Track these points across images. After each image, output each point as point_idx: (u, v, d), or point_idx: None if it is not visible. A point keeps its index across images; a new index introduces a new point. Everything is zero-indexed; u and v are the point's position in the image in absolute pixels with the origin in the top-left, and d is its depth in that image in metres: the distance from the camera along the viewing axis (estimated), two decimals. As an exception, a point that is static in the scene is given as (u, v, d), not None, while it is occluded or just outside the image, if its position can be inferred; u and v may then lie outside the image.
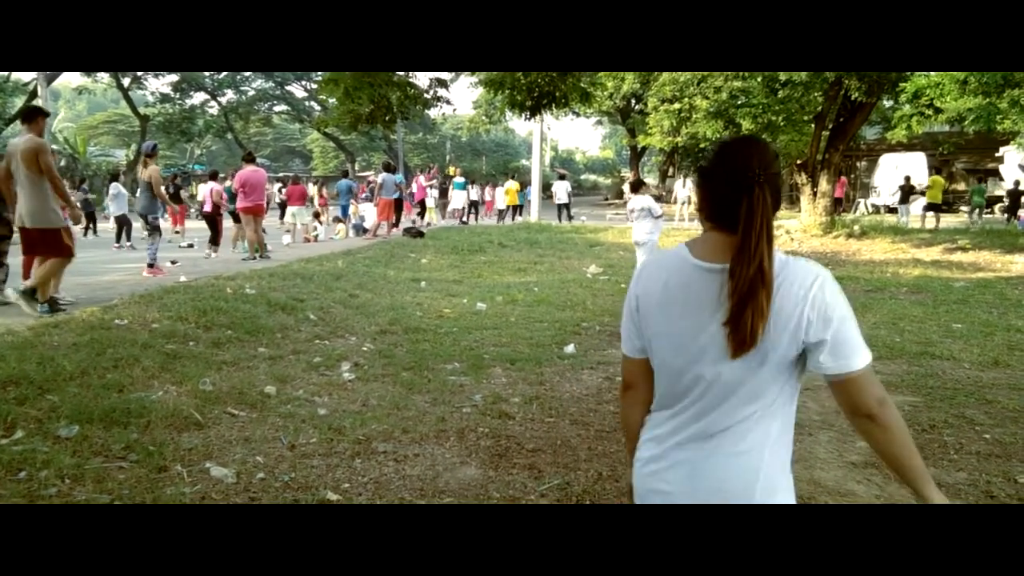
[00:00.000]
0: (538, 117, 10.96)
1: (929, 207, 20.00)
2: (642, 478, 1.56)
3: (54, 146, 28.02)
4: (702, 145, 19.57)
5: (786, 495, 1.43)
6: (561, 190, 24.21)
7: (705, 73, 16.24)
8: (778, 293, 1.32)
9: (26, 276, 8.09)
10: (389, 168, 16.84)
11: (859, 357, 1.33)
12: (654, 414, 1.56)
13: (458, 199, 23.58)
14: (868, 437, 1.39)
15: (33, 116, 6.40)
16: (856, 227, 17.55)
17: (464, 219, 23.02)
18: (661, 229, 9.67)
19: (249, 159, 12.11)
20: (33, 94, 33.44)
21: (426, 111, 11.65)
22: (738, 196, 1.35)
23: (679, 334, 1.44)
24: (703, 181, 1.46)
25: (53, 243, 6.24)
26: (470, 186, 25.92)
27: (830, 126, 17.70)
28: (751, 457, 1.40)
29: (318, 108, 40.45)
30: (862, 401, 1.35)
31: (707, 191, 1.45)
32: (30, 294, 6.16)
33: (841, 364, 1.33)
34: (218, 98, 41.84)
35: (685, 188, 25.72)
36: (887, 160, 28.12)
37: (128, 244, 14.24)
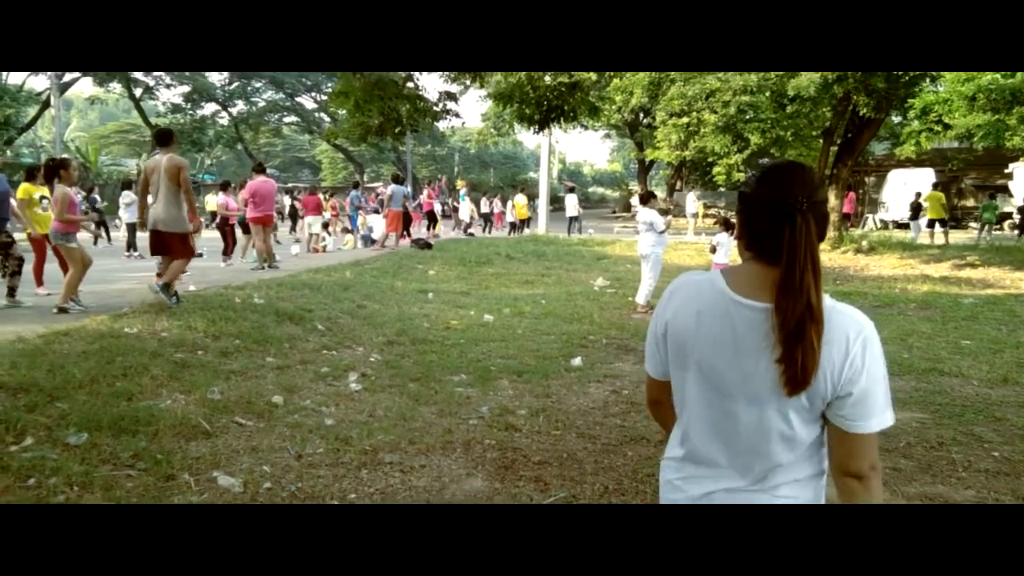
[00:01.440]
0: (547, 130, 11.00)
1: (932, 223, 19.95)
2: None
3: (65, 154, 28.31)
4: (710, 159, 19.58)
5: None
6: (571, 203, 24.31)
7: (713, 87, 16.27)
8: (823, 338, 1.27)
9: (39, 283, 8.20)
10: (398, 180, 16.93)
11: (876, 420, 1.29)
12: (685, 452, 1.49)
13: (463, 211, 23.71)
14: (847, 496, 1.34)
15: (169, 139, 7.33)
16: (864, 242, 17.51)
17: (470, 231, 23.10)
18: (666, 243, 9.67)
19: (259, 170, 12.21)
20: (46, 104, 33.83)
21: (435, 124, 11.71)
22: (780, 226, 1.29)
23: (715, 368, 1.38)
24: (743, 208, 1.40)
25: (182, 245, 7.23)
26: (482, 198, 26.07)
27: (838, 141, 17.70)
28: (788, 492, 1.38)
29: (328, 120, 40.71)
30: (856, 462, 1.31)
31: (747, 219, 1.38)
32: (166, 288, 7.05)
33: (858, 424, 1.29)
34: (228, 109, 42.17)
35: (694, 202, 25.77)
36: (896, 176, 28.08)
37: (136, 253, 14.33)
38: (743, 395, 1.35)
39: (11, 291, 7.45)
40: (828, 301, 1.30)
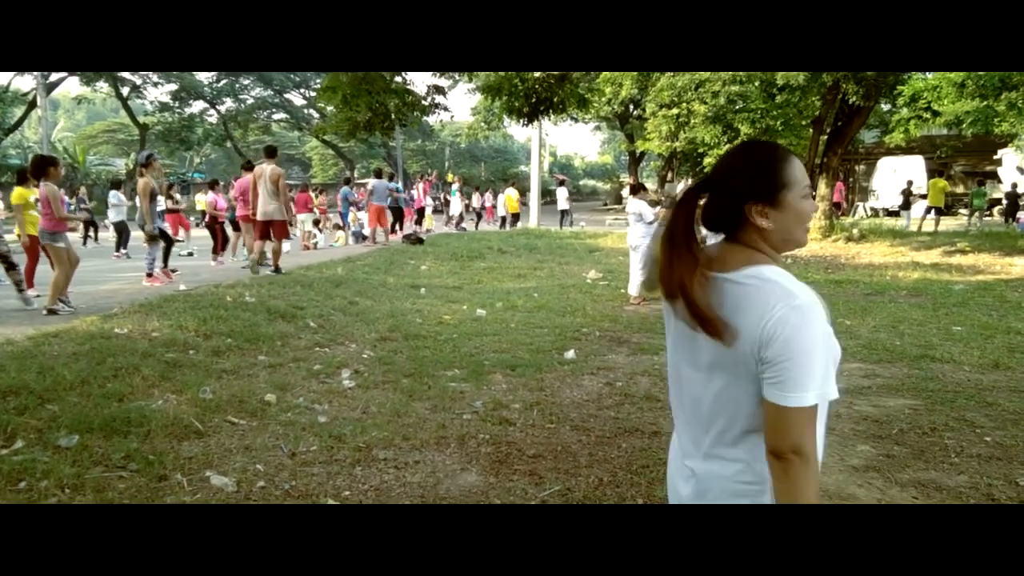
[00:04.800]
0: (536, 123, 10.97)
1: (929, 209, 20.04)
2: (668, 476, 1.63)
3: (53, 154, 28.12)
4: (700, 150, 19.59)
5: None
6: (561, 196, 24.32)
7: (703, 78, 16.28)
8: (744, 304, 1.33)
9: (30, 285, 8.19)
10: (380, 174, 16.91)
11: (792, 395, 1.27)
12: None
13: (454, 205, 23.71)
14: (772, 477, 1.33)
15: (274, 152, 10.54)
16: (855, 231, 17.55)
17: (462, 225, 23.08)
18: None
19: (248, 168, 12.13)
20: (32, 104, 33.57)
21: (424, 118, 11.71)
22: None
23: (679, 338, 1.49)
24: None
25: (281, 229, 10.37)
26: (474, 193, 26.07)
27: (828, 130, 17.73)
28: (743, 475, 1.41)
29: (317, 116, 40.53)
30: (774, 437, 1.29)
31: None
32: (277, 270, 10.15)
33: (773, 393, 1.29)
34: (217, 106, 41.93)
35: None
36: (885, 164, 28.15)
37: (124, 252, 14.27)
38: (693, 363, 1.45)
39: (18, 286, 7.49)
40: (768, 271, 1.35)
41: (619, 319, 8.17)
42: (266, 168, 10.13)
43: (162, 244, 9.69)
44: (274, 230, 10.20)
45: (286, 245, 15.23)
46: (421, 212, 21.39)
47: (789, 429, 1.27)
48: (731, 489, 1.41)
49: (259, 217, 10.19)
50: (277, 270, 10.04)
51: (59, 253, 7.23)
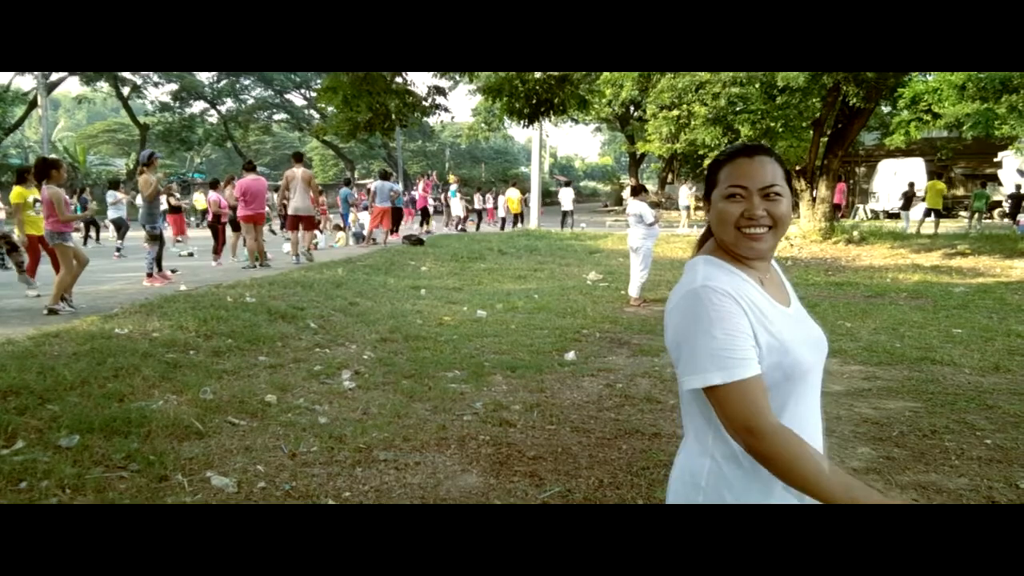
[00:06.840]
0: (536, 124, 10.99)
1: (928, 212, 20.06)
2: None
3: (53, 155, 28.13)
4: (701, 152, 19.58)
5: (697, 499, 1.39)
6: (566, 198, 24.32)
7: (703, 80, 16.26)
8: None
9: (32, 274, 8.26)
10: (385, 176, 16.92)
11: (692, 378, 1.27)
12: None
13: (455, 206, 23.73)
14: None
15: (302, 156, 12.45)
16: (855, 233, 17.55)
17: (461, 227, 23.09)
18: (656, 236, 9.66)
19: (249, 168, 12.15)
20: (33, 103, 33.59)
21: (425, 119, 11.78)
22: None
23: None
24: None
25: (311, 223, 12.48)
26: (476, 194, 26.08)
27: (828, 132, 17.73)
28: (681, 460, 1.46)
29: (317, 116, 40.56)
30: (724, 423, 1.28)
31: None
32: (309, 255, 12.15)
33: (684, 380, 1.29)
34: (217, 107, 41.95)
35: (687, 194, 25.76)
36: (886, 166, 28.16)
37: (120, 243, 14.31)
38: None
39: (19, 267, 7.56)
40: (701, 259, 1.40)
41: (619, 320, 8.17)
42: (297, 171, 11.86)
43: (158, 245, 9.68)
44: (304, 224, 12.14)
45: (286, 245, 15.29)
46: (424, 212, 21.38)
47: (723, 411, 1.26)
48: (685, 466, 1.44)
49: (291, 212, 12.05)
50: (308, 257, 11.99)
51: (66, 253, 7.23)
